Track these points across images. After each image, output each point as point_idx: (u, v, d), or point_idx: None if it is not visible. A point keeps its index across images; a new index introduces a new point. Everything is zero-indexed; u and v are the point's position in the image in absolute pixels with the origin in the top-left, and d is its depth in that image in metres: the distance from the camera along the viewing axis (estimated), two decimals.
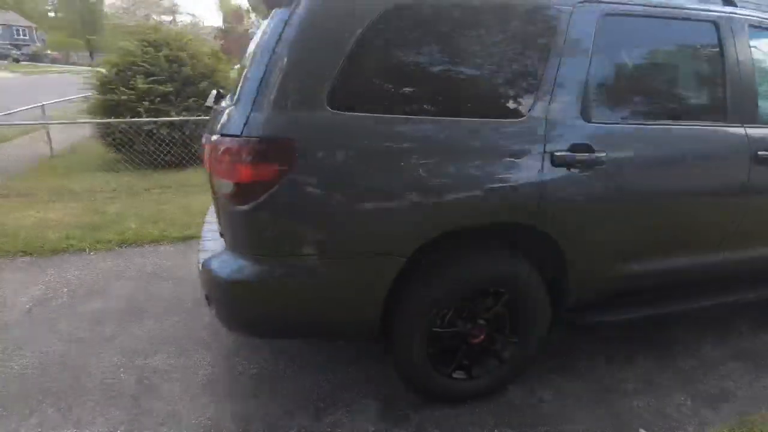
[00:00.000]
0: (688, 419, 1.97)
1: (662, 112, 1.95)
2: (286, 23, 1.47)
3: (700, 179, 1.96)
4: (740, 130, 1.98)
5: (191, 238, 3.72)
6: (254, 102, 1.46)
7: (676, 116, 1.96)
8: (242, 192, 1.47)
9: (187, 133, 5.66)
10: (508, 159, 1.65)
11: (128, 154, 5.68)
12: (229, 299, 1.61)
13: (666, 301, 2.12)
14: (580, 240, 1.83)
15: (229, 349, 2.33)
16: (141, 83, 5.62)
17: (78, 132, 8.20)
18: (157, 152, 5.64)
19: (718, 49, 1.97)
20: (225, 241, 1.63)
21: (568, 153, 1.71)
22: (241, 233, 1.54)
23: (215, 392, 2.03)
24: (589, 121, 1.76)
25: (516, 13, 1.68)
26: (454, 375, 1.93)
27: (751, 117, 1.99)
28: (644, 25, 1.88)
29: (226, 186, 1.50)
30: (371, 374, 2.15)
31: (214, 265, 1.59)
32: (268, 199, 1.45)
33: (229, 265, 1.56)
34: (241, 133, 1.45)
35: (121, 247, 3.57)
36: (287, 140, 1.45)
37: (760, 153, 1.98)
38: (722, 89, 1.97)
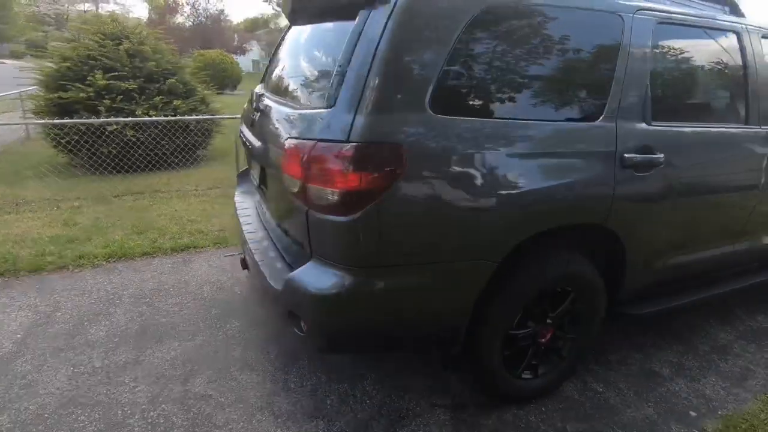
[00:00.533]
0: (725, 398, 2.14)
1: (706, 115, 2.10)
2: (386, 23, 1.39)
3: (734, 175, 2.13)
4: (761, 131, 2.18)
5: (187, 248, 3.46)
6: (358, 105, 1.37)
7: (714, 118, 2.12)
8: (347, 201, 1.37)
9: (154, 134, 5.21)
10: (590, 161, 1.70)
11: (86, 157, 5.13)
12: (327, 315, 1.50)
13: (698, 289, 2.29)
14: (639, 236, 1.93)
15: (274, 366, 2.19)
16: (100, 79, 5.08)
17: (10, 134, 7.30)
18: (122, 155, 5.15)
19: (740, 56, 2.15)
20: (314, 252, 1.52)
21: (635, 155, 1.79)
22: (340, 244, 1.44)
23: (277, 414, 1.90)
24: (649, 124, 1.85)
25: (592, 16, 1.72)
26: (523, 375, 1.95)
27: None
28: (686, 33, 2.01)
29: (326, 195, 1.40)
30: (428, 383, 2.11)
31: (307, 279, 1.48)
32: (374, 208, 1.38)
33: (326, 279, 1.46)
34: (348, 137, 1.35)
35: (110, 262, 3.22)
36: (396, 145, 1.38)
37: None
38: (745, 93, 2.16)
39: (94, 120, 4.74)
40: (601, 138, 1.73)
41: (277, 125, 1.75)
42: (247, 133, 2.08)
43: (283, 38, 2.47)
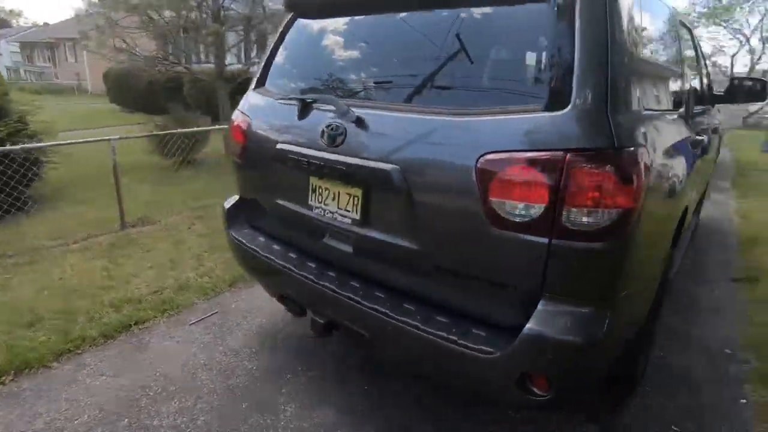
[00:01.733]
0: None
1: None
2: (606, 13, 1.18)
3: None
4: None
5: (126, 328, 2.44)
6: (607, 103, 1.13)
7: None
8: (618, 222, 1.11)
9: None
10: None
11: None
12: (583, 366, 1.21)
13: None
14: None
15: None
16: None
17: None
18: None
19: None
20: (549, 292, 1.19)
21: None
22: (599, 275, 1.17)
23: None
24: None
25: None
26: None
27: None
28: None
29: (592, 217, 1.10)
30: (553, 417, 1.92)
31: (557, 327, 1.15)
32: (636, 225, 1.17)
33: (585, 322, 1.16)
34: (614, 143, 1.10)
35: (6, 383, 1.99)
36: (644, 148, 1.20)
37: None
38: None
39: None
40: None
41: (431, 139, 1.30)
42: (328, 156, 1.51)
43: (301, 32, 1.89)
